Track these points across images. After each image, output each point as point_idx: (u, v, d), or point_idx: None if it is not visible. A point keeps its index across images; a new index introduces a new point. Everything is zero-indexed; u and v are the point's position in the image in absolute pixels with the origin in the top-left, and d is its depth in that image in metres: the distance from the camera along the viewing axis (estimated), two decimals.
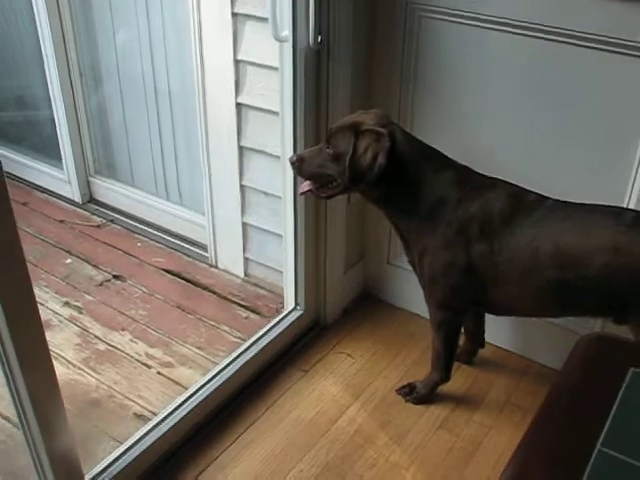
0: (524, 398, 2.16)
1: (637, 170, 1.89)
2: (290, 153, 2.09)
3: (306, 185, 1.94)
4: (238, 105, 2.42)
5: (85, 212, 3.16)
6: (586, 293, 1.70)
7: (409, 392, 2.16)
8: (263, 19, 2.19)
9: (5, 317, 1.37)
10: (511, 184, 1.82)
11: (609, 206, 1.72)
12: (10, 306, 1.36)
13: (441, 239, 1.83)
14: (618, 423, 0.95)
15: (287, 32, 1.94)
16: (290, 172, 2.05)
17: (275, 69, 2.18)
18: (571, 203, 1.75)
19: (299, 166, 1.90)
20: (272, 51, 2.14)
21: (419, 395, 2.14)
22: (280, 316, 2.37)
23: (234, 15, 2.29)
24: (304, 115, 2.05)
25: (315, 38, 1.93)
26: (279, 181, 2.31)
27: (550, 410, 1.04)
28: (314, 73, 2.02)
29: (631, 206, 1.91)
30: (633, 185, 1.90)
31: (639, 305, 1.64)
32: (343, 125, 1.84)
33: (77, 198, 3.18)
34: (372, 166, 1.76)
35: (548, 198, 1.78)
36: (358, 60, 2.14)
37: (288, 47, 1.96)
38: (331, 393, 2.19)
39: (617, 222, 1.65)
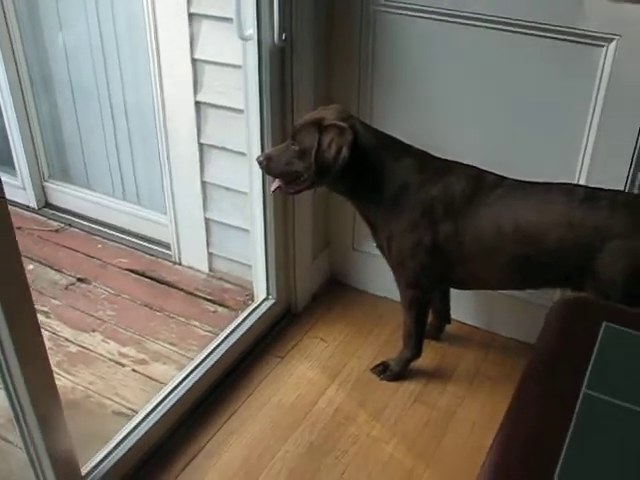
0: (492, 369, 2.29)
1: (586, 147, 2.01)
2: (257, 150, 2.16)
3: (276, 183, 2.00)
4: (197, 103, 2.46)
5: (42, 217, 3.14)
6: (546, 266, 1.82)
7: (383, 370, 2.26)
8: (219, 18, 2.25)
9: (3, 313, 1.40)
10: (470, 166, 1.93)
11: (563, 183, 1.84)
12: (7, 301, 1.41)
13: (406, 222, 1.92)
14: (598, 370, 1.06)
15: (251, 31, 2.00)
16: (257, 168, 2.11)
17: (233, 66, 2.24)
18: (528, 182, 1.86)
19: (267, 165, 1.96)
20: (230, 49, 2.20)
21: (393, 372, 2.24)
22: (253, 306, 2.42)
23: (190, 15, 2.33)
24: (270, 111, 2.11)
25: (280, 36, 1.99)
26: (241, 176, 2.37)
27: (534, 369, 1.14)
28: (279, 70, 2.08)
29: (581, 181, 2.04)
30: (582, 161, 2.04)
31: (593, 274, 1.76)
32: (307, 122, 1.92)
33: (33, 204, 3.17)
34: (337, 159, 1.84)
35: (506, 178, 1.89)
36: (320, 56, 2.21)
37: (252, 45, 2.02)
38: (308, 377, 2.27)
39: (570, 198, 1.77)
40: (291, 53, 2.06)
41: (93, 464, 1.83)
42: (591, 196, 1.76)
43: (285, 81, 2.11)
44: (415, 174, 1.91)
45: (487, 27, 2.00)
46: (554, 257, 1.78)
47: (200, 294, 2.68)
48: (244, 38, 2.01)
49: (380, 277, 2.30)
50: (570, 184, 1.85)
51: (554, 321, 1.21)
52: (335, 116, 1.90)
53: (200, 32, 2.35)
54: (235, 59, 2.20)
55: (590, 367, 1.06)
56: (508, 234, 1.81)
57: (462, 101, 2.15)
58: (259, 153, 2.09)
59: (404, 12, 2.10)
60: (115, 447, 1.89)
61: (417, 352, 2.21)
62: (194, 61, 2.40)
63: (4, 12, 2.83)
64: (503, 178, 1.89)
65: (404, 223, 1.92)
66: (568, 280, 1.83)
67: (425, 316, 2.16)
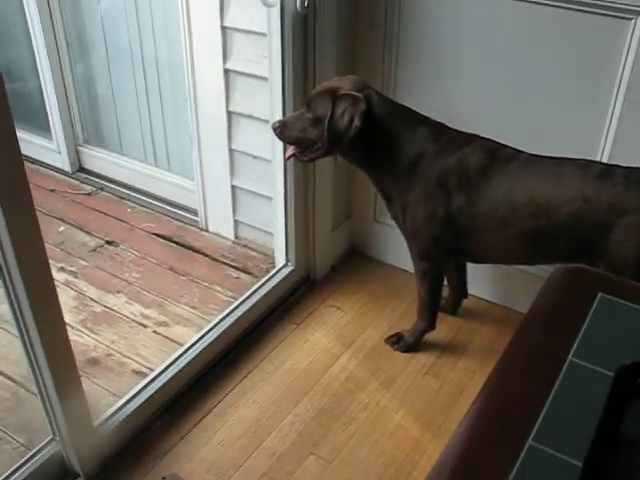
0: (506, 344, 2.27)
1: (610, 122, 1.98)
2: (279, 116, 2.17)
3: (290, 150, 2.02)
4: (226, 71, 2.48)
5: (75, 181, 3.21)
6: (559, 240, 1.81)
7: (397, 341, 2.27)
8: None
9: (20, 273, 1.45)
10: (487, 139, 1.91)
11: (578, 159, 1.82)
12: (24, 258, 1.45)
13: (421, 193, 1.92)
14: (586, 340, 1.05)
15: None
16: None
17: (262, 35, 2.24)
18: (544, 156, 1.85)
19: (281, 131, 1.97)
20: (259, 17, 2.21)
21: (406, 343, 2.25)
22: (272, 272, 2.46)
23: None
24: (292, 79, 2.12)
25: (302, 2, 2.00)
26: (267, 145, 2.39)
27: (525, 330, 1.15)
28: (302, 37, 2.08)
29: (604, 159, 2.01)
30: (606, 138, 2.01)
31: (607, 249, 1.74)
32: (322, 90, 1.93)
33: (67, 167, 3.23)
34: (349, 128, 1.85)
35: (523, 152, 1.87)
36: (343, 24, 2.21)
37: (276, 12, 2.03)
38: (323, 344, 2.30)
39: (585, 173, 1.75)
40: (314, 20, 2.06)
41: (105, 416, 1.89)
42: (606, 172, 1.74)
43: (308, 49, 2.11)
44: (430, 144, 1.90)
45: None
46: (567, 231, 1.77)
47: (224, 260, 2.72)
48: (268, 5, 2.02)
49: (400, 250, 2.30)
50: (586, 160, 1.82)
51: (550, 288, 1.21)
52: (351, 86, 1.90)
53: (230, 0, 2.36)
54: (263, 27, 2.21)
55: (580, 336, 1.06)
56: (521, 207, 1.80)
57: (488, 74, 2.13)
58: None
59: None
60: (127, 401, 1.94)
61: (431, 323, 2.21)
62: (224, 29, 2.41)
63: None
64: (519, 152, 1.87)
65: (418, 194, 1.92)
66: (581, 256, 1.81)
67: (438, 287, 2.16)
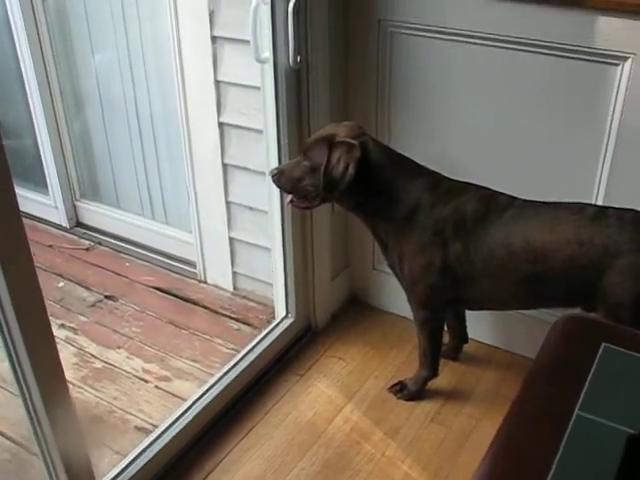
0: (511, 388, 2.24)
1: (603, 164, 2.01)
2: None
3: (289, 196, 2.03)
4: (220, 124, 2.51)
5: (73, 236, 3.21)
6: (556, 284, 1.81)
7: (400, 390, 2.26)
8: (241, 41, 2.28)
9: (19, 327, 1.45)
10: (482, 187, 1.93)
11: (573, 203, 1.83)
12: (24, 316, 1.45)
13: (418, 242, 1.93)
14: (593, 391, 1.06)
15: (267, 54, 2.04)
16: (275, 188, 2.14)
17: (255, 88, 2.27)
18: (539, 202, 1.86)
19: (278, 178, 1.98)
20: (251, 71, 2.24)
21: (410, 392, 2.24)
22: (273, 324, 2.45)
23: (213, 38, 2.38)
24: (287, 131, 2.15)
25: (295, 58, 2.03)
26: (263, 196, 2.41)
27: (529, 387, 1.15)
28: (295, 91, 2.12)
29: (599, 202, 2.03)
30: (599, 182, 2.03)
31: (603, 292, 1.75)
32: (318, 138, 1.94)
33: (64, 223, 3.24)
34: (344, 175, 1.86)
35: (517, 198, 1.89)
36: (336, 77, 2.24)
37: (269, 68, 2.06)
38: (326, 395, 2.28)
39: (579, 217, 1.77)
40: (307, 75, 2.09)
41: (110, 478, 1.86)
42: (600, 214, 1.75)
43: (301, 102, 2.14)
44: (428, 194, 1.91)
45: (502, 47, 2.01)
46: (564, 275, 1.78)
47: (224, 312, 2.71)
48: (261, 60, 2.06)
49: (400, 297, 2.29)
50: (580, 203, 1.84)
51: (553, 339, 1.21)
52: (347, 133, 1.91)
53: (223, 55, 2.39)
54: (256, 81, 2.24)
55: (585, 388, 1.06)
56: (518, 253, 1.81)
57: (477, 120, 2.16)
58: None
59: (420, 33, 2.12)
60: (132, 461, 1.92)
61: (433, 372, 2.20)
62: (217, 83, 2.45)
63: (38, 34, 2.91)
64: (514, 198, 1.89)
65: (415, 243, 1.93)
66: (579, 299, 1.82)
67: (439, 336, 2.16)
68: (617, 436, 0.96)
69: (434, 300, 2.03)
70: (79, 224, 3.27)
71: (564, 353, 1.16)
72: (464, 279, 1.91)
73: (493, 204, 1.87)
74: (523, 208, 1.85)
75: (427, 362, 2.18)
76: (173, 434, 2.02)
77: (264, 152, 2.28)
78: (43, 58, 2.96)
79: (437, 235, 1.89)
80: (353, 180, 1.86)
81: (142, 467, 1.93)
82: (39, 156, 3.16)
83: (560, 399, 1.05)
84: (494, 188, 1.93)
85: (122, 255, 3.07)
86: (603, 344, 1.14)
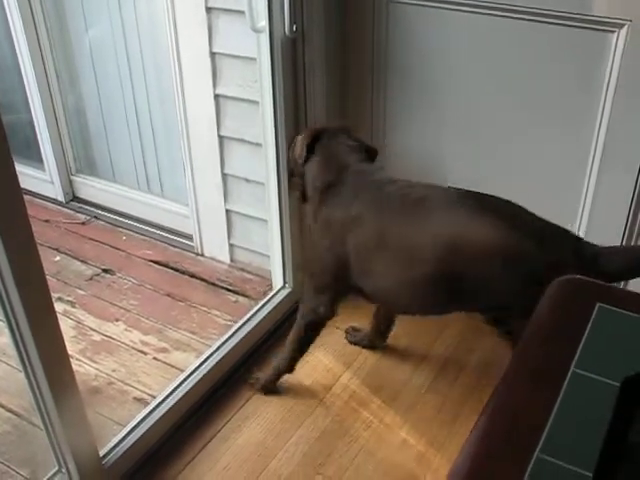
0: (504, 358, 2.23)
1: (599, 130, 2.01)
2: (272, 141, 2.20)
3: None
4: (216, 96, 2.50)
5: (69, 210, 3.21)
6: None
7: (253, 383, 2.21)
8: (237, 12, 2.27)
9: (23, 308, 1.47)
10: (401, 180, 1.85)
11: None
12: (25, 289, 1.46)
13: (322, 223, 1.93)
14: (588, 349, 1.07)
15: (263, 23, 2.03)
16: (272, 158, 2.16)
17: (251, 59, 2.27)
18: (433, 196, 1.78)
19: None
20: (247, 43, 2.23)
21: (260, 384, 2.19)
22: (270, 295, 2.46)
23: (208, 9, 2.37)
24: (283, 102, 2.15)
25: (290, 27, 2.03)
26: (260, 168, 2.41)
27: (525, 347, 1.16)
28: (291, 61, 2.11)
29: (594, 170, 2.04)
30: (596, 147, 2.04)
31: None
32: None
33: (60, 197, 3.24)
34: (299, 157, 1.99)
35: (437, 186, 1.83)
36: (332, 47, 2.24)
37: (265, 38, 2.06)
38: (324, 363, 2.31)
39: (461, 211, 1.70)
40: (302, 44, 2.09)
41: (110, 446, 1.88)
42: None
43: (297, 72, 2.14)
44: (344, 179, 1.89)
45: (497, 15, 2.01)
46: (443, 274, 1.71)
47: (221, 284, 2.72)
48: (256, 30, 2.05)
49: None
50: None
51: (548, 301, 1.22)
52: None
53: (218, 26, 2.38)
54: (252, 52, 2.23)
55: (581, 347, 1.08)
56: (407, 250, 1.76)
57: (474, 88, 2.16)
58: (274, 144, 2.16)
59: (417, 2, 2.12)
60: (131, 430, 1.94)
61: (289, 368, 2.15)
62: (213, 55, 2.43)
63: (32, 13, 2.90)
64: (426, 194, 1.79)
65: (321, 223, 1.94)
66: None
67: (312, 336, 2.09)
68: (612, 389, 0.98)
69: (329, 287, 1.97)
70: (75, 198, 3.27)
71: (559, 314, 1.18)
72: (359, 271, 1.85)
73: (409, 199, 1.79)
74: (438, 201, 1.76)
75: (287, 354, 2.13)
76: (171, 404, 2.04)
77: (260, 123, 2.27)
78: (37, 34, 2.94)
79: (338, 221, 1.87)
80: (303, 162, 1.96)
81: (141, 436, 1.95)
82: (34, 131, 3.15)
83: (556, 358, 1.07)
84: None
85: (119, 229, 3.07)
86: (598, 304, 1.15)
